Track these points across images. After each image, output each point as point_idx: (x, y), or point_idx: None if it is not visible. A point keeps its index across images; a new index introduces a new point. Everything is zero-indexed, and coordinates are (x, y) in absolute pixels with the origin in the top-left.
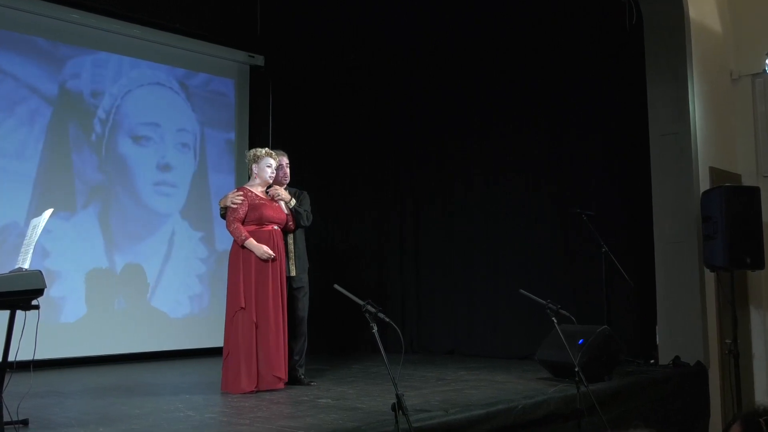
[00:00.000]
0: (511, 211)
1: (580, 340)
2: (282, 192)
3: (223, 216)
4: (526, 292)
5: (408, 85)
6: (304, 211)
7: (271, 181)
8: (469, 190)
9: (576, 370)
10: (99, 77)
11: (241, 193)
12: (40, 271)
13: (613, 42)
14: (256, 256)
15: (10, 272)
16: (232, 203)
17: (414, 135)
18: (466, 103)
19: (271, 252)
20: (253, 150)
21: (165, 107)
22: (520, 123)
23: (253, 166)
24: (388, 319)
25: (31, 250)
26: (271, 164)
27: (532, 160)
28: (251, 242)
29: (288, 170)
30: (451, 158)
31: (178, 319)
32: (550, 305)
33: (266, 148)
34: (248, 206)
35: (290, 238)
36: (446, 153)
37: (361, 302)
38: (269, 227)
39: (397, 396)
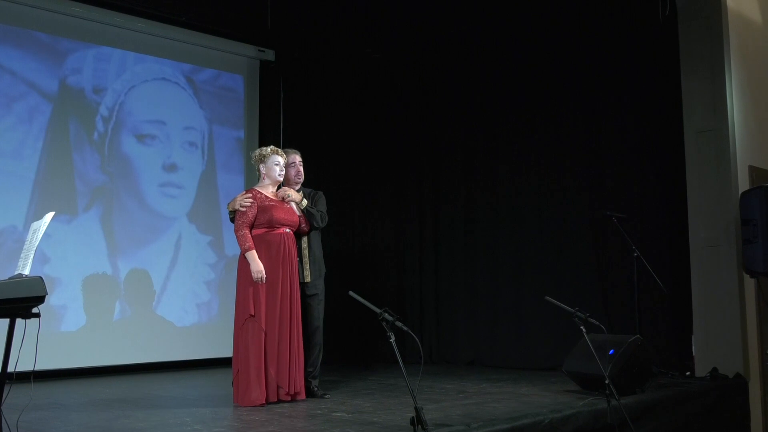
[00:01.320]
0: (537, 214)
1: (611, 351)
2: (292, 192)
3: (233, 220)
4: (552, 300)
5: (429, 80)
6: (318, 212)
7: (281, 180)
8: (493, 192)
9: (606, 382)
10: (101, 72)
11: (250, 195)
12: (41, 278)
13: (645, 34)
14: (267, 260)
15: (10, 279)
16: (241, 206)
17: (434, 134)
18: (490, 100)
19: (264, 275)
20: (258, 150)
21: (171, 104)
22: (547, 121)
23: (261, 166)
24: (406, 328)
25: (32, 256)
26: (279, 162)
27: (560, 159)
28: (252, 255)
29: (301, 169)
30: (474, 158)
31: (185, 328)
32: (579, 313)
33: (272, 146)
34: (258, 208)
35: (304, 242)
36: (469, 152)
37: (377, 310)
38: (280, 230)
39: (416, 409)
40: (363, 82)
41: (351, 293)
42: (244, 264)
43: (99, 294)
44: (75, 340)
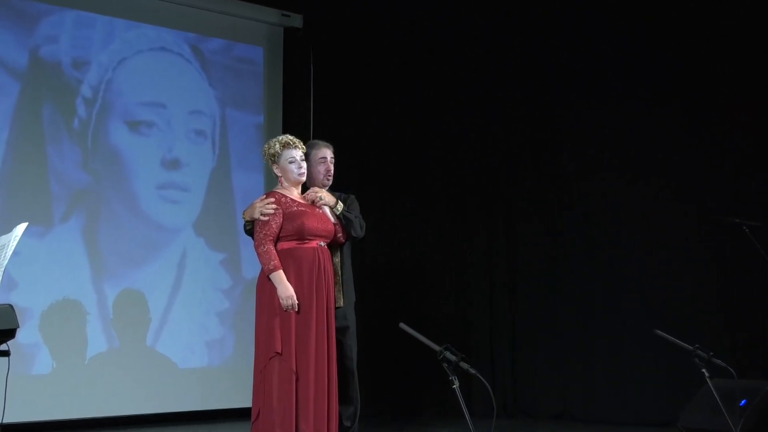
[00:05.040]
0: (640, 227)
1: (742, 401)
2: (324, 194)
3: (250, 232)
4: (663, 334)
5: (497, 57)
6: (356, 217)
7: (303, 179)
8: (583, 201)
9: None
10: (83, 41)
11: (273, 199)
12: (11, 306)
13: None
14: (298, 282)
15: None
16: (262, 215)
17: (507, 125)
18: (579, 85)
19: (295, 301)
20: (266, 146)
21: (173, 81)
22: (651, 112)
23: (274, 168)
24: (473, 371)
25: None
26: (294, 157)
27: (669, 159)
28: (279, 276)
29: (332, 167)
30: (558, 158)
31: (190, 371)
32: (699, 351)
33: (284, 136)
34: (283, 216)
35: (336, 256)
36: (552, 151)
37: (437, 347)
38: (313, 243)
39: None
40: (414, 57)
41: (402, 325)
42: (267, 288)
43: (79, 328)
44: (48, 386)
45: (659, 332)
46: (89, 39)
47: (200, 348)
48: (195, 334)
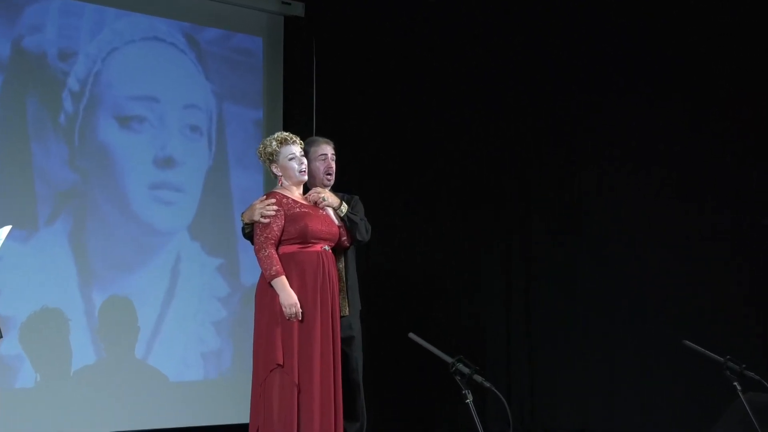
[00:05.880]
0: (668, 228)
1: None
2: (327, 194)
3: (248, 235)
4: (692, 345)
5: (517, 46)
6: (361, 220)
7: (305, 178)
8: (607, 199)
9: None
10: (70, 31)
11: (274, 200)
12: None
13: None
14: (301, 289)
15: None
16: (262, 217)
17: (527, 117)
18: (598, 78)
19: (299, 310)
20: (261, 145)
21: (166, 74)
22: (685, 108)
23: (273, 167)
24: (488, 384)
25: None
26: (294, 153)
27: (702, 156)
28: (282, 282)
29: (333, 165)
30: (581, 152)
31: (184, 384)
32: (731, 363)
33: (279, 133)
34: (285, 218)
35: (340, 261)
36: (573, 145)
37: (449, 359)
38: (317, 246)
39: None
40: (426, 47)
41: (412, 335)
42: (267, 295)
43: (65, 338)
44: (32, 400)
45: (688, 342)
46: (76, 28)
47: (195, 360)
48: (190, 345)
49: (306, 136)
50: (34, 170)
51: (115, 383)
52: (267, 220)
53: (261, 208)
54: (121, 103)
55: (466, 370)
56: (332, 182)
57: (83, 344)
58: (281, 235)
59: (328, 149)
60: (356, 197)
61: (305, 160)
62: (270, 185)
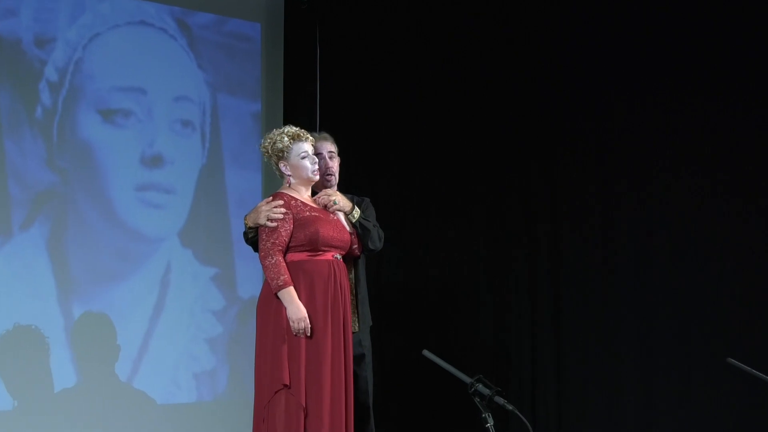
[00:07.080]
0: (712, 237)
1: None
2: (339, 197)
3: (250, 241)
4: (737, 363)
5: (543, 34)
6: (374, 226)
7: (317, 178)
8: (643, 210)
9: None
10: (47, 14)
11: (282, 202)
12: None
13: None
14: (310, 301)
15: None
16: (269, 220)
17: (554, 116)
18: (631, 75)
19: (308, 324)
20: (268, 139)
21: (154, 62)
22: (726, 107)
23: (281, 165)
24: (510, 406)
25: None
26: (306, 151)
27: (748, 156)
28: (290, 294)
29: (333, 164)
30: (616, 155)
31: (175, 407)
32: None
33: (289, 128)
34: (294, 223)
35: (351, 272)
36: (607, 147)
37: (467, 379)
38: (328, 255)
39: None
40: (441, 36)
41: (426, 353)
42: (272, 307)
43: (42, 355)
44: (8, 427)
45: (732, 361)
46: (54, 11)
47: (187, 381)
48: (181, 364)
49: (308, 130)
50: (8, 170)
51: (98, 406)
52: (274, 224)
53: (268, 211)
54: (104, 95)
55: (486, 391)
56: (333, 183)
57: (63, 364)
58: (289, 241)
59: (327, 146)
60: (367, 200)
61: (317, 159)
62: (270, 186)
